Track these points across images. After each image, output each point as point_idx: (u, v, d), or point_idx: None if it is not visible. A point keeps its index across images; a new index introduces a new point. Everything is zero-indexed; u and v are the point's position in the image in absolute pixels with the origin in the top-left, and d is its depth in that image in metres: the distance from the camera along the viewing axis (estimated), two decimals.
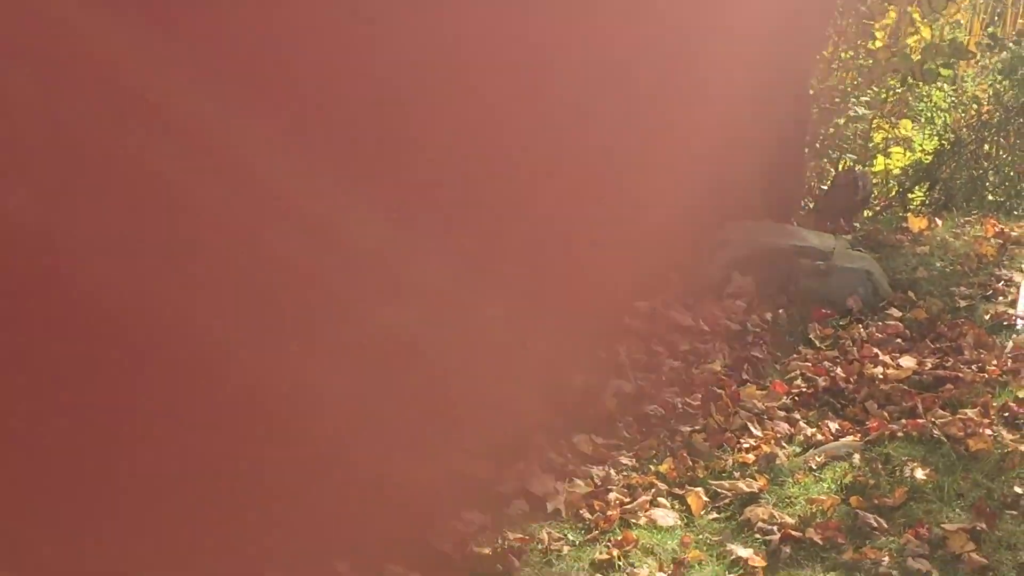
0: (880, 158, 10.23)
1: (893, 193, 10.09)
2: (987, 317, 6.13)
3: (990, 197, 9.61)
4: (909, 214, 8.59)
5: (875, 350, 5.73)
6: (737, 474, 4.67)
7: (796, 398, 5.31)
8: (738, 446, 4.87)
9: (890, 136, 10.28)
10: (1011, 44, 10.09)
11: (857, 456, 4.67)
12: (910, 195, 10.00)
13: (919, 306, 6.28)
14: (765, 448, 4.80)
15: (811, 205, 8.63)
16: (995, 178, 9.85)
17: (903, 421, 4.90)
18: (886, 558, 4.08)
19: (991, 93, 10.24)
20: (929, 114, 10.21)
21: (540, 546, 4.13)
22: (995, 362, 5.54)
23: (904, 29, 10.29)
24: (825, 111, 8.93)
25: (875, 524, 4.26)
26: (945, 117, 10.20)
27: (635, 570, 4.04)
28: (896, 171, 10.26)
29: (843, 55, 9.61)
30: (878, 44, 9.47)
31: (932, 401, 5.13)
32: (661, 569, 4.05)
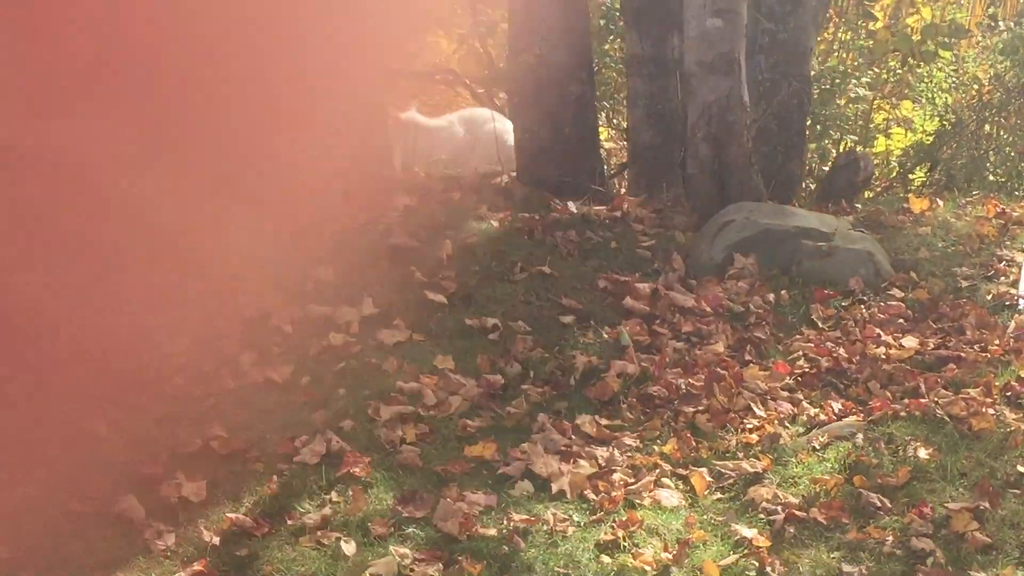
0: (881, 139, 10.24)
1: (894, 174, 10.11)
2: (989, 297, 6.14)
3: (991, 177, 9.62)
4: (910, 195, 8.60)
5: (877, 330, 5.74)
6: (741, 454, 4.68)
7: (799, 378, 5.31)
8: (741, 426, 4.88)
9: (891, 117, 10.29)
10: (1012, 24, 10.09)
11: (860, 436, 4.68)
12: (911, 176, 10.02)
13: (921, 286, 6.29)
14: (768, 428, 4.82)
15: (812, 186, 8.65)
16: (996, 158, 9.86)
17: (906, 401, 4.91)
18: (890, 537, 4.10)
19: (992, 74, 10.24)
20: (930, 95, 10.21)
21: (545, 527, 4.15)
22: (997, 342, 5.55)
23: (904, 9, 10.29)
24: (826, 92, 8.93)
25: (878, 504, 4.27)
26: (946, 98, 10.20)
27: (640, 550, 4.05)
28: (897, 152, 10.27)
29: (843, 35, 9.62)
30: (878, 25, 9.48)
31: (935, 381, 5.14)
32: (666, 549, 4.06)
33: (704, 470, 4.56)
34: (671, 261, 6.34)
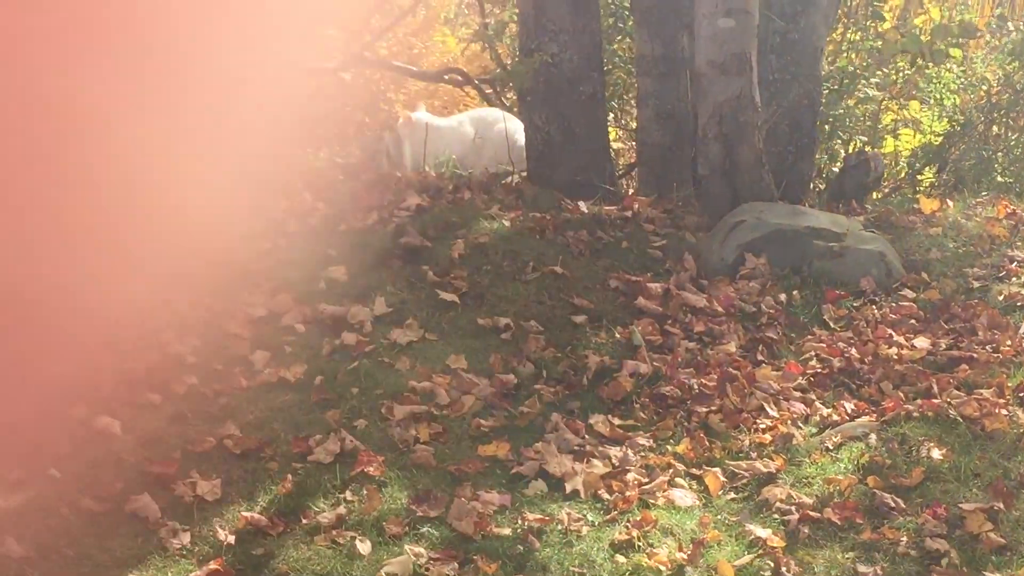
0: (889, 139, 10.23)
1: (903, 175, 10.09)
2: (1000, 298, 6.13)
3: (1000, 178, 9.60)
4: (920, 195, 8.59)
5: (889, 331, 5.73)
6: (754, 454, 4.68)
7: (811, 379, 5.31)
8: (754, 426, 4.88)
9: (899, 118, 10.28)
10: (1021, 25, 10.08)
11: (873, 436, 4.68)
12: (919, 177, 10.00)
13: (933, 287, 6.29)
14: (781, 428, 4.82)
15: (821, 186, 8.64)
16: (1005, 159, 9.84)
17: (919, 401, 4.91)
18: (904, 538, 4.10)
19: (1001, 74, 10.22)
20: (938, 95, 10.20)
21: (560, 527, 4.15)
22: (1009, 342, 5.54)
23: (913, 10, 10.28)
24: (834, 92, 8.92)
25: (892, 504, 4.27)
26: (954, 98, 10.19)
27: (654, 550, 4.05)
28: (905, 153, 10.26)
29: (852, 36, 9.61)
30: (887, 25, 9.46)
31: (947, 382, 5.14)
32: (680, 549, 4.06)
33: (718, 470, 4.56)
34: (682, 261, 6.33)
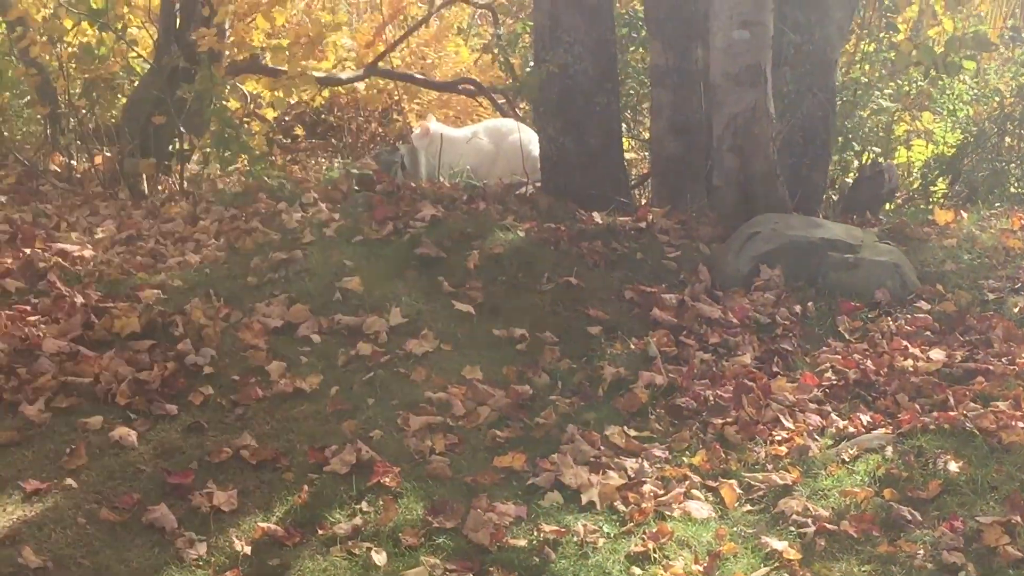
0: (902, 150, 10.22)
1: (916, 186, 10.08)
2: (1016, 310, 6.13)
3: (1013, 190, 9.58)
4: (935, 207, 8.57)
5: (904, 343, 5.73)
6: (770, 466, 4.68)
7: (827, 391, 5.31)
8: (770, 438, 4.87)
9: (912, 129, 10.27)
10: None
11: (890, 449, 4.67)
12: (932, 188, 9.99)
13: (948, 299, 6.28)
14: (797, 440, 4.81)
15: (835, 198, 8.63)
16: (1018, 170, 9.83)
17: (935, 414, 4.89)
18: (921, 551, 4.09)
19: (1014, 86, 10.21)
20: (951, 106, 10.19)
21: (576, 538, 4.14)
22: None
23: (926, 21, 10.27)
24: (848, 103, 8.91)
25: (909, 517, 4.26)
26: (967, 110, 10.18)
27: (670, 562, 4.04)
28: (918, 164, 10.25)
29: (865, 47, 9.60)
30: (901, 36, 9.46)
31: (963, 394, 5.13)
32: (696, 561, 4.05)
33: (734, 482, 4.56)
34: (697, 272, 6.33)
